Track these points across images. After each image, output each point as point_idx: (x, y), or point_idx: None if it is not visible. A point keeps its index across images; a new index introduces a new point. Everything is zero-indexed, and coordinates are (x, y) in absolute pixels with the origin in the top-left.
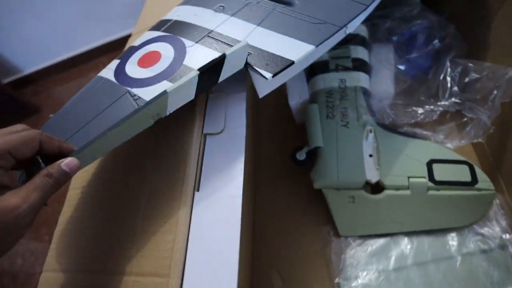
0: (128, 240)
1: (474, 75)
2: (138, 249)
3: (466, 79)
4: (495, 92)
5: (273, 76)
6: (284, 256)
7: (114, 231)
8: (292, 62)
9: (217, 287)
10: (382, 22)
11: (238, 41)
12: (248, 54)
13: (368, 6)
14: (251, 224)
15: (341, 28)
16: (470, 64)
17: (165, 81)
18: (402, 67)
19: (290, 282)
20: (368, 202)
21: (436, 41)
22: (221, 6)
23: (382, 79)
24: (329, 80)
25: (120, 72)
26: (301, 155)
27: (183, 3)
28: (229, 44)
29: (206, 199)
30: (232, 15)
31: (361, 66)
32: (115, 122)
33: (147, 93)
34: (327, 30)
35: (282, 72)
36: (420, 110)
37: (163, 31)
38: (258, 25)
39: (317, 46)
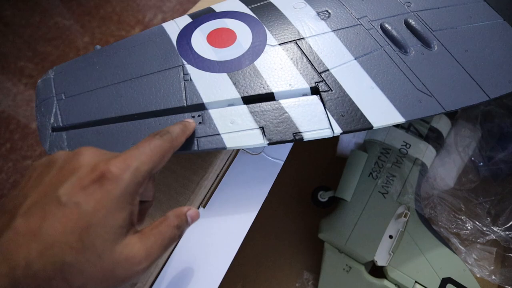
0: None
1: None
2: None
3: None
4: None
5: (341, 133)
6: (257, 277)
7: None
8: (370, 127)
9: None
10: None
11: (326, 68)
12: (328, 90)
13: (491, 98)
14: None
15: (444, 111)
16: None
17: (225, 75)
18: (479, 163)
19: None
20: (362, 281)
21: None
22: (327, 11)
23: (448, 166)
24: (393, 137)
25: (185, 36)
26: (324, 197)
27: None
28: (313, 67)
29: (208, 220)
30: (334, 30)
31: (434, 138)
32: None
33: (200, 78)
34: (427, 107)
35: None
36: (469, 225)
37: (252, 8)
38: (355, 59)
39: (407, 120)
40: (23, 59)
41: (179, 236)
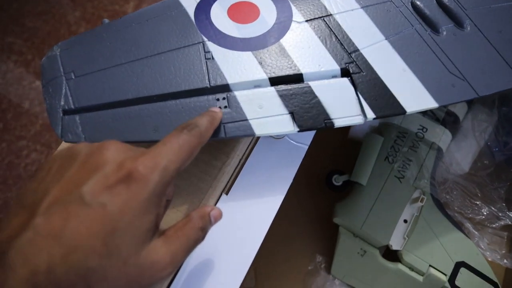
0: None
1: None
2: None
3: None
4: None
5: (374, 119)
6: (269, 261)
7: None
8: (404, 112)
9: None
10: None
11: (356, 48)
12: (359, 72)
13: None
14: None
15: (477, 96)
16: None
17: (250, 53)
18: (494, 148)
19: (261, 286)
20: (376, 264)
21: None
22: None
23: (464, 150)
24: (410, 121)
25: (203, 10)
26: (338, 181)
27: None
28: (343, 46)
29: (232, 207)
30: (363, 7)
31: (452, 122)
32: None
33: (223, 57)
34: (460, 91)
35: None
36: (485, 210)
37: None
38: (386, 39)
39: (441, 105)
40: (11, 35)
41: (203, 238)
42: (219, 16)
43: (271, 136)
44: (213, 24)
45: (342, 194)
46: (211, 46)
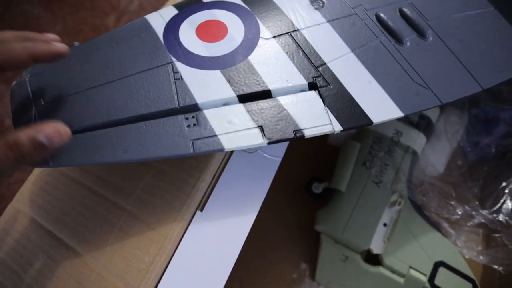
0: (111, 225)
1: None
2: (115, 241)
3: None
4: None
5: (341, 131)
6: (254, 271)
7: (98, 206)
8: (370, 123)
9: None
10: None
11: (323, 62)
12: (326, 85)
13: (483, 89)
14: None
15: (441, 104)
16: None
17: (219, 72)
18: (467, 148)
19: None
20: (359, 269)
21: None
22: (320, 0)
23: (438, 152)
24: (385, 126)
25: (172, 30)
26: (318, 189)
27: None
28: (310, 61)
29: (207, 222)
30: (329, 21)
31: (425, 126)
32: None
33: (192, 77)
34: (425, 100)
35: None
36: (460, 210)
37: None
38: (352, 51)
39: (406, 114)
40: None
41: (17, 163)
42: (187, 35)
43: (244, 151)
44: (182, 44)
45: (323, 201)
46: (179, 66)
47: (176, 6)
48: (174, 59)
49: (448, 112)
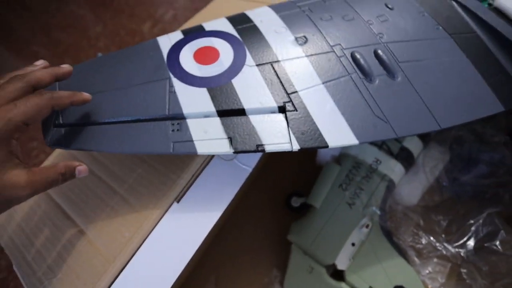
0: (105, 205)
1: (497, 247)
2: (107, 218)
3: (487, 244)
4: (503, 279)
5: (298, 150)
6: (230, 271)
7: (98, 188)
8: (326, 146)
9: None
10: (456, 126)
11: (295, 90)
12: (293, 110)
13: (442, 128)
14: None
15: (396, 136)
16: (503, 232)
17: (205, 89)
18: (443, 183)
19: None
20: (322, 282)
21: (493, 183)
22: (304, 37)
23: (414, 184)
24: (366, 153)
25: (174, 52)
26: (296, 202)
27: (274, 8)
28: (284, 88)
29: (180, 213)
30: (308, 55)
31: (404, 158)
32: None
33: (183, 91)
34: (381, 132)
35: None
36: (425, 240)
37: (237, 30)
38: (323, 83)
39: (361, 142)
40: (37, 44)
41: (62, 181)
42: (186, 57)
43: (221, 158)
44: (180, 64)
45: (299, 215)
46: (175, 82)
47: (183, 31)
48: (172, 76)
49: (430, 148)
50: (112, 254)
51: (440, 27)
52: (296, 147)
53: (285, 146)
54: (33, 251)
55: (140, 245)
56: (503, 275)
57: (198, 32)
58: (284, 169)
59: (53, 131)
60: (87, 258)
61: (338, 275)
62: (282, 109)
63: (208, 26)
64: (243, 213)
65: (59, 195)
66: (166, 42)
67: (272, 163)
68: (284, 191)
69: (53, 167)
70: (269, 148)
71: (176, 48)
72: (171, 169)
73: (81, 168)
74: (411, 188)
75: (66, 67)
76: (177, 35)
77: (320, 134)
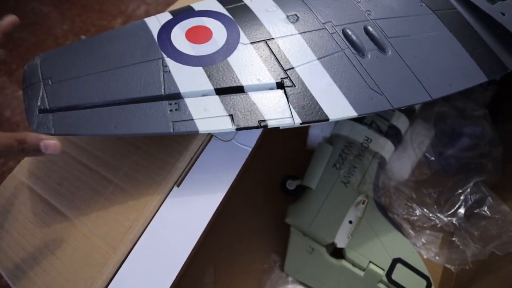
0: (99, 195)
1: (486, 212)
2: (101, 208)
3: (477, 210)
4: (494, 241)
5: (301, 124)
6: (228, 258)
7: (89, 179)
8: (327, 119)
9: (152, 278)
10: (439, 103)
11: (291, 66)
12: (292, 86)
13: (433, 99)
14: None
15: (392, 108)
16: (490, 199)
17: (201, 68)
18: (431, 158)
19: (220, 282)
20: (323, 261)
21: (476, 154)
22: (295, 15)
23: (404, 160)
24: (356, 132)
25: (165, 32)
26: (292, 185)
27: None
28: (280, 64)
29: (182, 197)
30: (301, 33)
31: (393, 136)
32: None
33: (178, 71)
34: (378, 104)
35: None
36: (418, 212)
37: (228, 9)
38: (318, 59)
39: (359, 114)
40: None
41: (19, 151)
42: (178, 37)
43: (220, 139)
44: (173, 44)
45: (295, 197)
46: (168, 61)
47: (171, 12)
48: (164, 55)
49: (416, 124)
50: (111, 245)
51: (424, 4)
52: (298, 121)
53: (287, 121)
54: (23, 253)
55: (142, 233)
56: (494, 237)
57: (188, 12)
58: (276, 155)
59: (40, 118)
60: (84, 252)
61: (338, 254)
62: (280, 85)
63: (197, 6)
64: (238, 201)
65: (46, 191)
66: (155, 22)
67: (265, 150)
68: (278, 176)
69: (14, 134)
70: (271, 124)
71: (167, 28)
72: (169, 153)
73: (49, 143)
74: (402, 164)
75: (8, 18)
76: (165, 16)
77: (320, 108)
